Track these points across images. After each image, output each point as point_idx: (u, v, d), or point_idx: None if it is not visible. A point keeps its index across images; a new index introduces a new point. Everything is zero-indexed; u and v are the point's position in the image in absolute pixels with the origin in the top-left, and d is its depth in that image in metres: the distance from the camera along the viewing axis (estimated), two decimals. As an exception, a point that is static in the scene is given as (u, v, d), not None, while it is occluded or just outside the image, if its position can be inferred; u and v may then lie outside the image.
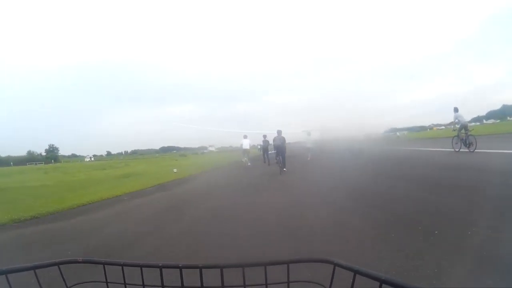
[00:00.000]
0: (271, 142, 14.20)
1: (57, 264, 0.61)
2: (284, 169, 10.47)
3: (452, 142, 11.58)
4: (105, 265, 0.60)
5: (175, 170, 13.70)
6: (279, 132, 11.50)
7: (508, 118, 62.10)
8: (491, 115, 70.56)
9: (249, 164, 15.44)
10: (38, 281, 0.58)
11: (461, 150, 10.68)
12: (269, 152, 15.57)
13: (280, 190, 7.12)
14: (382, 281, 0.45)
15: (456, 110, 11.40)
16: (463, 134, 10.65)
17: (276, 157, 11.09)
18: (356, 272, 0.49)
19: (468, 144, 10.51)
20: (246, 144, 15.64)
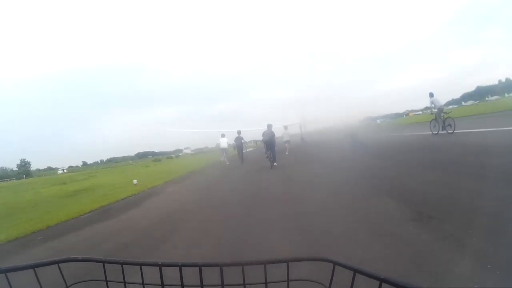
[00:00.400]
0: (246, 139, 15.39)
1: (57, 262, 0.61)
2: (275, 163, 10.24)
3: (430, 125, 11.59)
4: (105, 264, 0.61)
5: (135, 182, 11.31)
6: (269, 126, 11.16)
7: (487, 98, 65.29)
8: (465, 97, 74.78)
9: (227, 163, 15.20)
10: (38, 280, 0.58)
11: (440, 132, 10.66)
12: (245, 150, 16.18)
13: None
14: (381, 280, 0.45)
15: (431, 95, 11.45)
16: (442, 117, 10.63)
17: (266, 152, 10.78)
18: (356, 271, 0.50)
19: (446, 126, 10.48)
20: (224, 142, 15.37)
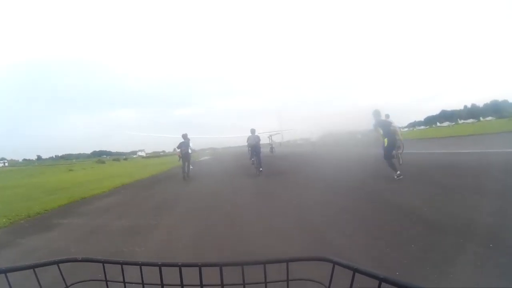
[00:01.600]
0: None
1: (57, 263, 0.62)
2: (261, 169, 10.30)
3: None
4: (105, 264, 0.62)
5: None
6: (252, 131, 11.02)
7: (461, 121, 68.50)
8: (429, 120, 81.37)
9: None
10: (38, 280, 0.59)
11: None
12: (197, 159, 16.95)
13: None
14: (381, 280, 0.46)
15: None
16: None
17: (250, 157, 10.87)
18: (355, 270, 0.51)
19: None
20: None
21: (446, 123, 71.92)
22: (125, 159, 68.57)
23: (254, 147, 10.70)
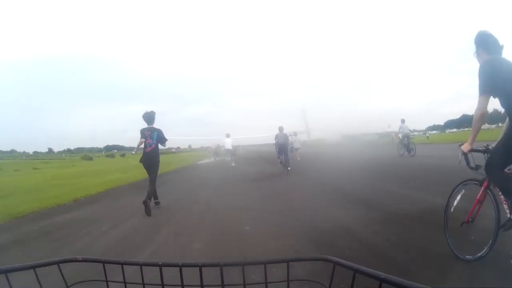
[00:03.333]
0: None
1: (57, 263, 0.66)
2: (289, 168, 10.70)
3: (397, 147, 14.39)
4: (105, 264, 0.65)
5: None
6: (280, 129, 11.49)
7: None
8: (449, 124, 79.83)
9: (233, 164, 16.35)
10: (38, 280, 0.62)
11: (404, 154, 13.47)
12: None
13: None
14: (382, 280, 0.48)
15: (402, 121, 14.34)
16: (406, 141, 13.42)
17: (278, 156, 11.34)
18: (356, 271, 0.52)
19: (409, 150, 13.33)
20: (228, 143, 16.27)
21: (467, 128, 70.35)
22: (122, 155, 69.17)
23: (282, 145, 11.12)
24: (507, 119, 2.42)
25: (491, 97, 2.30)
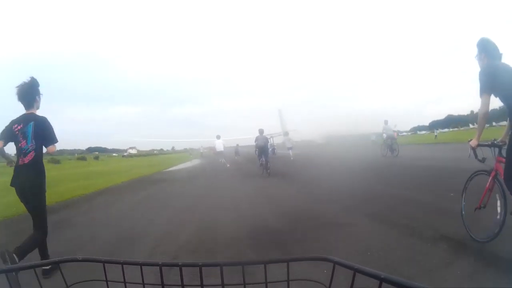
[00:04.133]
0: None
1: (57, 262, 0.67)
2: (269, 170, 11.00)
3: (380, 148, 14.46)
4: (105, 264, 0.66)
5: None
6: (261, 131, 11.82)
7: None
8: (434, 124, 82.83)
9: (228, 165, 15.98)
10: (38, 280, 0.63)
11: (387, 155, 13.51)
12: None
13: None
14: (382, 280, 0.48)
15: (386, 122, 14.41)
16: (389, 142, 13.45)
17: (259, 158, 11.64)
18: (356, 270, 0.53)
19: (392, 151, 13.35)
20: (219, 145, 15.96)
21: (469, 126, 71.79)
22: (108, 156, 67.30)
23: (262, 148, 11.43)
24: (508, 119, 2.84)
25: (493, 96, 2.64)
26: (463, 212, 3.12)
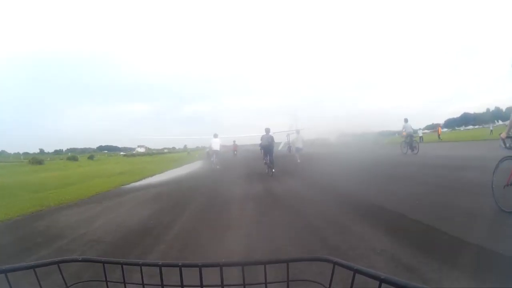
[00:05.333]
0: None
1: (57, 263, 0.68)
2: (273, 170, 11.13)
3: (400, 146, 15.33)
4: (105, 264, 0.67)
5: None
6: (267, 130, 12.02)
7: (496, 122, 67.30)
8: (450, 122, 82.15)
9: (218, 167, 15.42)
10: (38, 280, 0.64)
11: (407, 153, 14.43)
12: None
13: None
14: (381, 280, 0.49)
15: (406, 120, 15.32)
16: (408, 140, 14.34)
17: (264, 157, 11.80)
18: (355, 271, 0.54)
19: (412, 148, 14.29)
20: (216, 144, 15.66)
21: (470, 126, 70.27)
22: (115, 155, 66.89)
23: (267, 147, 11.47)
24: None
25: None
26: (494, 188, 4.10)
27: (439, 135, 28.40)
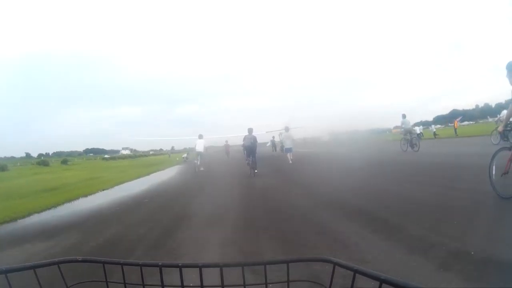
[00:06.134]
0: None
1: (57, 263, 0.68)
2: (256, 171, 11.12)
3: (400, 143, 14.32)
4: (105, 264, 0.68)
5: None
6: (250, 130, 12.00)
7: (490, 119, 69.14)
8: (439, 119, 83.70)
9: (202, 169, 14.96)
10: (38, 281, 0.64)
11: (408, 150, 13.42)
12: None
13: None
14: (382, 281, 0.49)
15: (403, 116, 14.34)
16: (408, 137, 13.30)
17: (246, 158, 11.83)
18: (356, 271, 0.54)
19: (412, 146, 13.25)
20: (200, 145, 15.04)
21: (465, 122, 71.17)
22: (94, 158, 64.80)
23: (250, 147, 11.49)
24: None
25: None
26: (490, 176, 4.42)
27: (455, 129, 24.74)
